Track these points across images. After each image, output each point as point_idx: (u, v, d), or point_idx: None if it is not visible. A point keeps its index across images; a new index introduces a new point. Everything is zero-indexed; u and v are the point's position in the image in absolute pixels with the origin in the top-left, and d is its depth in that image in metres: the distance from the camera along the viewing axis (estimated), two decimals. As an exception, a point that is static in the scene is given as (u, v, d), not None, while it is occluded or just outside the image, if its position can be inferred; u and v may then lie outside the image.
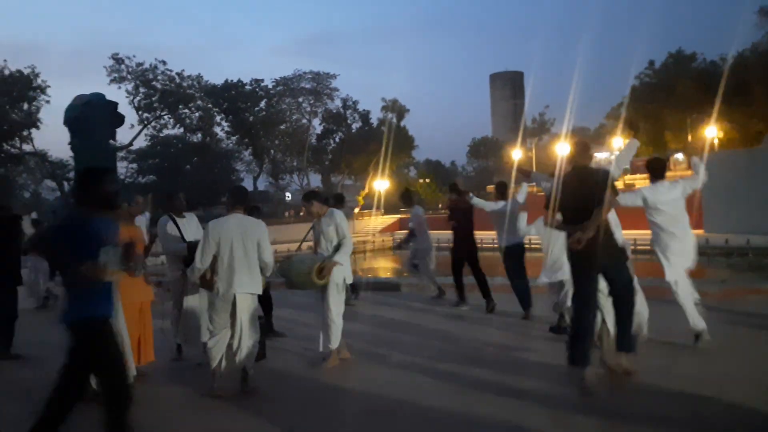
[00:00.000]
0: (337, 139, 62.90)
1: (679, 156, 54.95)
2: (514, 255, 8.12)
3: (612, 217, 5.18)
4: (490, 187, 51.95)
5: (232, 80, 57.66)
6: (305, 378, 5.60)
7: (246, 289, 5.11)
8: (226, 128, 59.22)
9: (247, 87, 58.36)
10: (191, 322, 6.01)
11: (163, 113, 53.72)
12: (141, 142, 53.96)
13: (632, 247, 7.78)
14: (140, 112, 52.20)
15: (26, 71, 46.08)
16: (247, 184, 63.97)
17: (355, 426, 4.42)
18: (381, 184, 55.98)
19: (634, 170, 53.85)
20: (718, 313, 7.67)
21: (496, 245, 8.39)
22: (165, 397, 5.32)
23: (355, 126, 62.63)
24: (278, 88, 60.19)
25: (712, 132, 44.20)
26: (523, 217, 7.73)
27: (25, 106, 46.46)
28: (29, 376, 6.14)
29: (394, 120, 61.57)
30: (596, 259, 4.41)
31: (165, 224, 6.26)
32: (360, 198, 62.48)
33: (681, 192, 6.27)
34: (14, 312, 7.05)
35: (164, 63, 52.33)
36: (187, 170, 53.34)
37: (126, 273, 5.50)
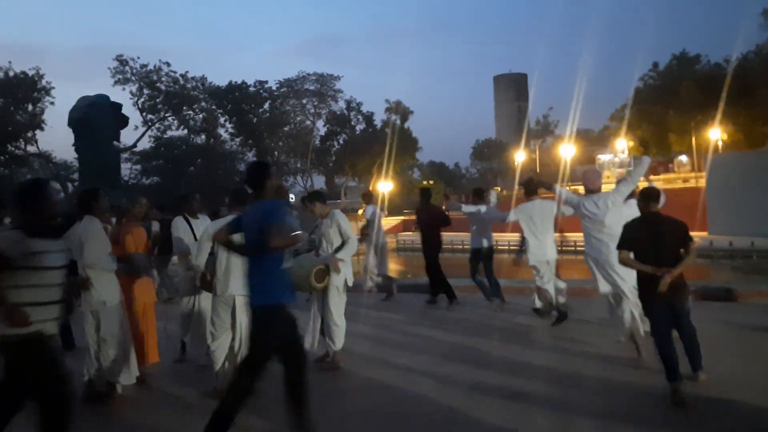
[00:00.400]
0: (340, 141, 62.87)
1: (683, 158, 54.89)
2: (486, 256, 8.80)
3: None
4: (496, 189, 51.99)
5: (236, 82, 57.66)
6: (308, 379, 5.60)
7: (244, 291, 5.09)
8: (230, 130, 59.25)
9: (251, 88, 58.36)
10: (204, 322, 6.00)
11: (167, 115, 53.76)
12: (145, 144, 54.02)
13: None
14: (144, 114, 52.27)
15: (31, 73, 46.19)
16: (251, 185, 64.02)
17: (356, 427, 4.43)
18: (385, 186, 56.00)
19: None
20: (722, 315, 7.66)
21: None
22: (168, 398, 5.33)
23: (359, 128, 62.59)
24: (282, 90, 60.20)
25: (716, 134, 44.09)
26: (491, 210, 8.58)
27: (30, 107, 46.54)
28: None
29: (398, 122, 61.52)
30: (670, 296, 4.88)
31: (178, 225, 6.29)
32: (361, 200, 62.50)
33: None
34: None
35: (168, 64, 52.40)
36: (191, 172, 53.33)
37: (129, 274, 5.57)
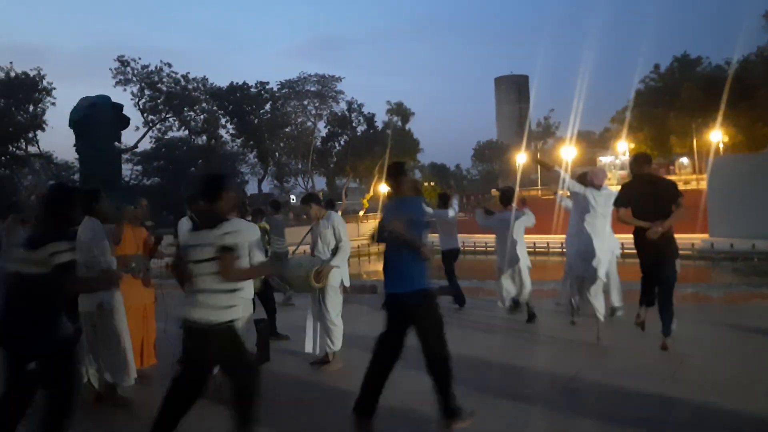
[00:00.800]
0: (342, 142, 62.87)
1: (684, 160, 54.84)
2: (451, 258, 9.19)
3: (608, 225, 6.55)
4: (495, 192, 51.96)
5: (237, 83, 57.72)
6: (308, 381, 5.60)
7: None
8: (231, 131, 59.31)
9: (253, 90, 58.42)
10: None
11: (168, 115, 53.82)
12: (146, 145, 54.12)
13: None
14: (145, 115, 52.33)
15: (32, 73, 46.29)
16: (252, 186, 64.09)
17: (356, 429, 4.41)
18: (386, 188, 55.86)
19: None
20: (722, 317, 7.65)
21: (488, 248, 9.11)
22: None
23: (360, 129, 62.60)
24: (283, 91, 60.25)
25: (717, 136, 44.05)
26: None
27: (31, 108, 46.63)
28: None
29: (400, 123, 61.57)
30: (662, 248, 5.54)
31: (184, 225, 6.29)
32: (365, 201, 62.42)
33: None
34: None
35: (170, 65, 52.51)
36: (192, 173, 53.38)
37: (131, 275, 5.57)
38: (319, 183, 65.81)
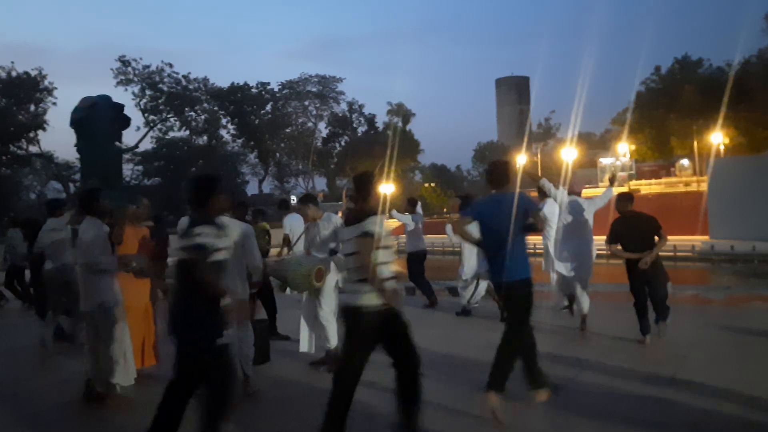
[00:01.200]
0: (342, 143, 62.95)
1: (685, 162, 54.84)
2: (417, 259, 9.65)
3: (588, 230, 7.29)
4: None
5: (238, 83, 57.80)
6: (308, 381, 5.60)
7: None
8: (232, 131, 59.38)
9: (253, 90, 58.47)
10: None
11: (169, 116, 53.90)
12: (147, 145, 54.20)
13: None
14: (146, 115, 52.41)
15: (33, 73, 46.36)
16: (253, 186, 64.09)
17: (356, 428, 4.41)
18: (386, 188, 55.98)
19: (639, 176, 53.78)
20: (723, 319, 7.64)
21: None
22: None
23: (360, 130, 62.71)
24: (284, 92, 60.32)
25: (717, 138, 44.03)
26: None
27: (32, 107, 46.70)
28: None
29: (400, 124, 61.60)
30: (652, 274, 6.44)
31: (184, 224, 6.28)
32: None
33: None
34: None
35: (171, 65, 52.65)
36: (193, 173, 53.42)
37: (133, 275, 5.57)
38: (320, 183, 65.86)
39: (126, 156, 48.95)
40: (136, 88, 51.73)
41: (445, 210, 56.15)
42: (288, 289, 7.75)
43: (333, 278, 5.92)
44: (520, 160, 59.00)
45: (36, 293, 9.29)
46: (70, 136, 35.15)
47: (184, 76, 53.27)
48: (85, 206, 5.17)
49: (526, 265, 4.57)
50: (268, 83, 59.31)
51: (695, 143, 48.63)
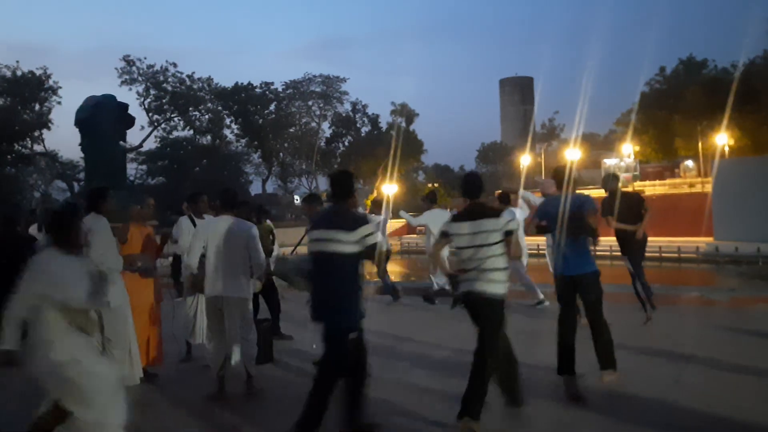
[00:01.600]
0: (346, 143, 62.89)
1: (689, 163, 54.67)
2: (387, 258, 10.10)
3: None
4: (498, 192, 51.85)
5: (242, 83, 57.78)
6: (311, 380, 5.59)
7: (231, 292, 5.07)
8: (236, 131, 59.35)
9: (257, 90, 58.45)
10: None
11: (173, 115, 53.92)
12: (151, 144, 54.18)
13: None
14: (150, 114, 52.43)
15: (38, 72, 46.42)
16: (256, 186, 64.11)
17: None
18: (389, 189, 55.93)
19: (643, 177, 53.64)
20: (727, 321, 7.63)
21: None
22: (171, 398, 5.34)
23: (364, 130, 62.61)
24: (288, 92, 60.28)
25: (722, 139, 43.89)
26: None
27: (37, 106, 46.77)
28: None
29: (403, 124, 61.44)
30: (639, 242, 7.45)
31: (182, 224, 6.30)
32: (368, 202, 62.48)
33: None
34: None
35: (175, 65, 52.63)
36: (196, 172, 53.43)
37: (138, 274, 5.58)
38: (323, 184, 65.79)
39: (130, 155, 48.99)
40: (141, 88, 51.81)
41: (449, 209, 55.92)
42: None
43: None
44: (524, 160, 59.05)
45: None
46: (75, 135, 35.08)
47: (188, 76, 53.32)
48: (92, 204, 5.18)
49: (591, 260, 5.02)
50: (272, 83, 59.33)
51: (700, 144, 48.48)
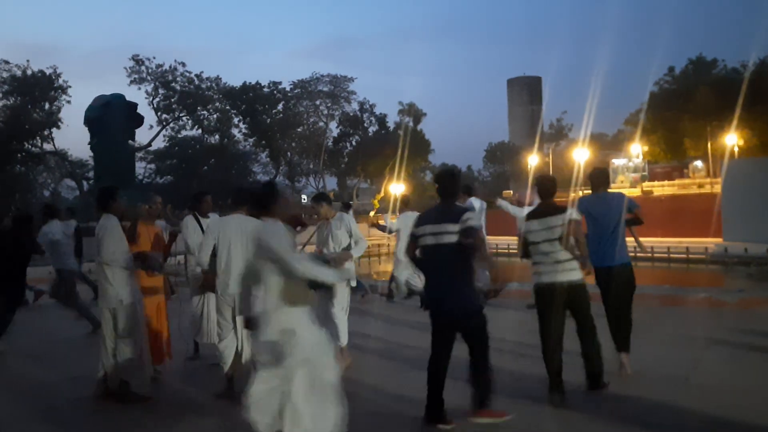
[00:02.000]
0: (353, 143, 62.85)
1: (698, 163, 54.38)
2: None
3: None
4: (507, 192, 51.75)
5: (250, 82, 57.87)
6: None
7: None
8: (244, 130, 59.43)
9: (265, 89, 58.51)
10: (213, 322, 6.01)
11: (181, 114, 54.08)
12: (159, 143, 54.35)
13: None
14: (159, 113, 52.58)
15: (48, 71, 46.63)
16: (263, 185, 64.08)
17: (361, 427, 4.42)
18: (397, 188, 55.92)
19: (652, 177, 53.40)
20: (736, 322, 7.59)
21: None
22: (180, 396, 5.37)
23: (371, 129, 62.55)
24: (296, 91, 60.30)
25: (732, 139, 43.63)
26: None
27: (47, 105, 47.00)
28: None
29: (411, 124, 61.37)
30: None
31: (188, 223, 6.33)
32: (375, 201, 62.44)
33: None
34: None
35: (183, 65, 52.72)
36: (205, 171, 53.61)
37: (145, 272, 5.61)
38: (330, 183, 65.88)
39: (139, 154, 49.24)
40: (149, 87, 51.96)
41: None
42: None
43: (345, 277, 5.93)
44: (532, 160, 58.90)
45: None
46: (84, 134, 35.44)
47: (196, 75, 53.44)
48: (102, 204, 5.21)
49: (626, 252, 5.39)
50: (280, 83, 59.35)
51: (709, 144, 48.19)
